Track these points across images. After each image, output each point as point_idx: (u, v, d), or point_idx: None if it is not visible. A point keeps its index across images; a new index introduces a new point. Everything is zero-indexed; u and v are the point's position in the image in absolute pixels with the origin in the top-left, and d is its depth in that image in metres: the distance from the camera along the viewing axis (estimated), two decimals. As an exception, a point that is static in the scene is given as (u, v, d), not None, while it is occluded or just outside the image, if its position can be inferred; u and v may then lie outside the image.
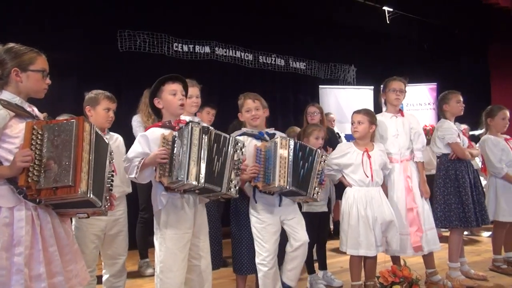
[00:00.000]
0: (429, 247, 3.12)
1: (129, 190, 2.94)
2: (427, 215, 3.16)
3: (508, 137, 3.74)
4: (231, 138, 2.26)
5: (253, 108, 2.81)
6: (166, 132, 2.23)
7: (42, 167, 1.64)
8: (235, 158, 2.24)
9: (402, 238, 3.05)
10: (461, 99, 3.44)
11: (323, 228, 3.46)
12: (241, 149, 2.28)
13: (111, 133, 2.89)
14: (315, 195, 2.65)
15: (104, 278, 2.76)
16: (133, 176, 2.16)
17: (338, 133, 4.97)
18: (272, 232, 2.70)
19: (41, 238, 1.67)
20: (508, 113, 3.70)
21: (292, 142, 2.59)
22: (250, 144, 2.71)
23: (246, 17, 5.96)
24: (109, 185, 1.88)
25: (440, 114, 3.57)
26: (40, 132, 1.69)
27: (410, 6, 6.74)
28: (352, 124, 3.09)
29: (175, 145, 2.14)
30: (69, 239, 1.78)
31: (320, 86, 6.59)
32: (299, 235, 2.72)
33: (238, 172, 2.25)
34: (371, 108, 5.95)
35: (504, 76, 6.94)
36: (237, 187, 2.24)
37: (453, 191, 3.32)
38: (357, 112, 3.12)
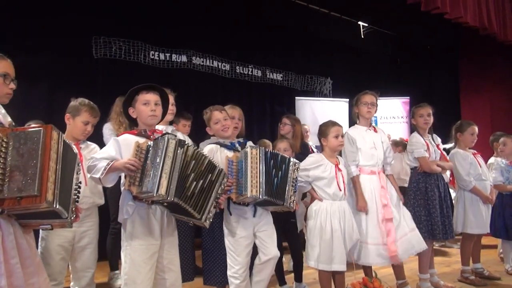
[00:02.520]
0: (408, 252, 3.11)
1: (101, 201, 2.83)
2: (408, 219, 3.19)
3: (475, 151, 3.85)
4: (222, 171, 2.29)
5: (221, 119, 2.79)
6: (141, 140, 2.19)
7: (6, 176, 1.58)
8: (219, 191, 2.26)
9: (379, 248, 3.04)
10: (425, 113, 3.51)
11: (295, 239, 3.44)
12: (224, 185, 2.32)
13: (87, 142, 2.82)
14: (291, 204, 2.63)
15: (71, 292, 2.67)
16: (97, 176, 2.07)
17: (313, 145, 4.94)
18: (244, 245, 2.67)
19: (3, 250, 1.59)
20: (476, 129, 3.80)
21: (262, 151, 2.58)
22: (222, 155, 2.69)
23: (223, 27, 5.97)
24: (76, 196, 1.82)
25: (413, 127, 3.68)
26: (4, 140, 1.62)
27: (384, 22, 6.93)
28: (336, 137, 3.04)
29: (149, 155, 2.09)
30: (32, 251, 1.71)
31: (296, 97, 6.64)
32: (269, 250, 2.70)
33: (217, 205, 2.27)
34: (347, 120, 6.06)
35: (473, 91, 7.18)
36: (211, 220, 2.24)
37: (422, 204, 3.40)
38: (339, 125, 3.11)
